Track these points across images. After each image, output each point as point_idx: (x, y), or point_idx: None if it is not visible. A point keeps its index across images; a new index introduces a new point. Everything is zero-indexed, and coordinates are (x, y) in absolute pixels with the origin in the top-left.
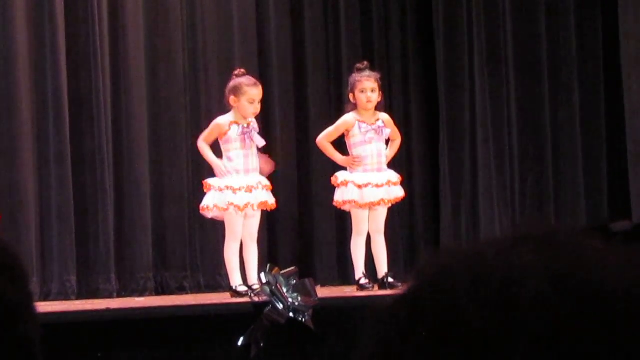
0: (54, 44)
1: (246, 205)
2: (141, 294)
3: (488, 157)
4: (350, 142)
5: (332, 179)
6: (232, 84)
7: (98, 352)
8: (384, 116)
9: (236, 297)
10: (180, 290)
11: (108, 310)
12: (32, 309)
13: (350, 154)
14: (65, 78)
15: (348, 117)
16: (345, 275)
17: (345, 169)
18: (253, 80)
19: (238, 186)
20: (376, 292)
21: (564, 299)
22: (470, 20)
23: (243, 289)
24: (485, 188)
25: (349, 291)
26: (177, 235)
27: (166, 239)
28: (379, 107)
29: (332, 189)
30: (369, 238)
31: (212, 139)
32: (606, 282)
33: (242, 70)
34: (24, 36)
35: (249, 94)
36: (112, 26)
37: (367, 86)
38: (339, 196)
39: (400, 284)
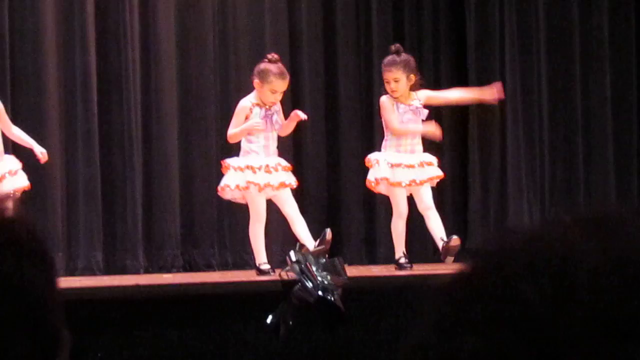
0: (82, 21)
1: (266, 185)
2: (168, 271)
3: (517, 141)
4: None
5: (366, 160)
6: (261, 66)
7: (125, 328)
8: (421, 94)
9: (261, 275)
10: (208, 267)
11: (138, 286)
12: (57, 296)
13: (385, 134)
14: (94, 56)
15: (386, 99)
16: (372, 255)
17: (379, 150)
18: (282, 70)
19: (258, 165)
20: (414, 272)
21: (622, 281)
22: (502, 2)
23: (266, 267)
24: (514, 172)
25: (377, 271)
26: (205, 213)
27: (194, 216)
28: (414, 88)
29: (360, 170)
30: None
31: (240, 122)
32: None
33: (276, 56)
34: (51, 14)
35: (273, 84)
36: (143, 4)
37: (388, 77)
38: (372, 175)
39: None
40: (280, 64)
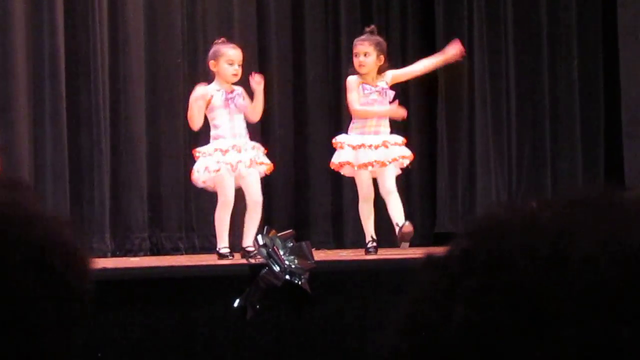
0: (50, 3)
1: (238, 162)
2: (135, 255)
3: (485, 123)
4: None
5: (333, 142)
6: (211, 50)
7: (92, 311)
8: (387, 76)
9: (221, 259)
10: (175, 251)
11: (104, 269)
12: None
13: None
14: (62, 37)
15: (352, 78)
16: (340, 239)
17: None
18: (232, 44)
19: (226, 147)
20: (380, 256)
21: (613, 261)
22: None
23: (225, 251)
24: (482, 154)
25: (345, 255)
26: (172, 196)
27: (162, 199)
28: (381, 71)
29: (328, 153)
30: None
31: (200, 107)
32: None
33: (223, 39)
34: None
35: (226, 56)
36: None
37: (359, 50)
38: (336, 158)
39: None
40: (229, 43)
